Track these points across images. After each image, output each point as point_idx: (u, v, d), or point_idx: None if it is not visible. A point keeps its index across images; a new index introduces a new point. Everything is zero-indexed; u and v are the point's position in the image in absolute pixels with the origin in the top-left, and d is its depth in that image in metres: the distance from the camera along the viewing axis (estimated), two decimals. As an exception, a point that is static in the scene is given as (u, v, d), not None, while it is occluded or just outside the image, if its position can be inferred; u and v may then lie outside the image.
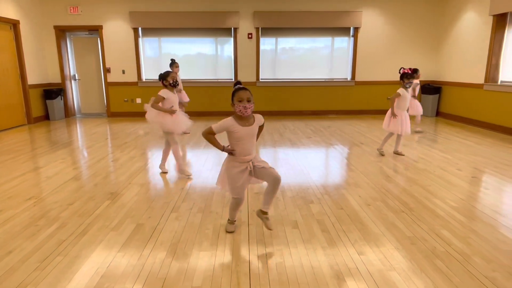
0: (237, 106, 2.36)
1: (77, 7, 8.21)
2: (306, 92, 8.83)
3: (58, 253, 2.38)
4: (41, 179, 3.98)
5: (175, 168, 4.33)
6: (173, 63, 6.45)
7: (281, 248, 2.47)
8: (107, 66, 8.54)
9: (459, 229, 2.74)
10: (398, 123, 4.77)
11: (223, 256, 2.36)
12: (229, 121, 2.40)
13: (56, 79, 8.55)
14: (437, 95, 8.46)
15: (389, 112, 4.87)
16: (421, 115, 6.70)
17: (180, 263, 2.27)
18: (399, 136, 4.92)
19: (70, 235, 2.65)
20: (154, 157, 4.93)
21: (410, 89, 4.80)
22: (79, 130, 7.11)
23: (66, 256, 2.35)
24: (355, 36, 8.59)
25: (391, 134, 4.96)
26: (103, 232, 2.69)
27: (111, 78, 8.63)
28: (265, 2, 8.33)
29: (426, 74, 8.82)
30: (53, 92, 8.16)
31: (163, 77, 3.93)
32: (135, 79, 8.62)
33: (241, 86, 2.44)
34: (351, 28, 8.59)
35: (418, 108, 6.42)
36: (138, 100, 8.75)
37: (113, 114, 8.82)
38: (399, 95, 4.73)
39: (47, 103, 8.22)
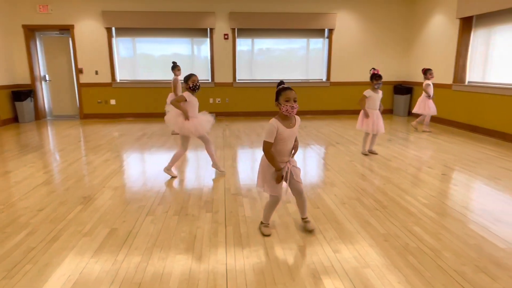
0: (284, 106, 2.38)
1: (46, 5, 7.95)
2: (283, 92, 8.86)
3: (28, 261, 2.30)
4: (9, 184, 3.82)
5: (168, 168, 4.23)
6: (174, 67, 6.24)
7: (258, 248, 2.47)
8: (79, 66, 8.31)
9: (430, 225, 2.83)
10: (369, 122, 4.89)
11: (200, 258, 2.34)
12: (274, 123, 2.41)
13: (25, 80, 8.24)
14: (408, 95, 8.71)
15: (361, 112, 4.98)
16: (431, 116, 6.80)
17: (155, 267, 2.24)
18: (374, 135, 5.04)
19: (40, 242, 2.56)
20: (130, 160, 4.83)
21: (379, 90, 4.90)
22: (50, 133, 6.89)
23: (35, 264, 2.27)
24: (329, 37, 8.72)
25: (367, 134, 5.06)
26: (75, 238, 2.61)
27: (84, 79, 8.41)
28: (241, 3, 8.33)
29: (397, 74, 9.07)
30: (22, 93, 7.86)
31: (185, 80, 3.88)
32: (109, 80, 8.43)
33: (285, 85, 2.46)
34: (326, 30, 8.72)
35: (428, 109, 6.55)
36: (112, 102, 8.56)
37: (86, 116, 8.59)
38: (365, 97, 4.85)
39: (16, 105, 7.91)
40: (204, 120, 3.99)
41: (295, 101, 2.39)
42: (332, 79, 8.91)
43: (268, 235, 2.66)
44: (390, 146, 5.55)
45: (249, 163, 4.68)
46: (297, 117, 2.54)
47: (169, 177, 4.04)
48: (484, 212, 3.08)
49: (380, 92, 4.92)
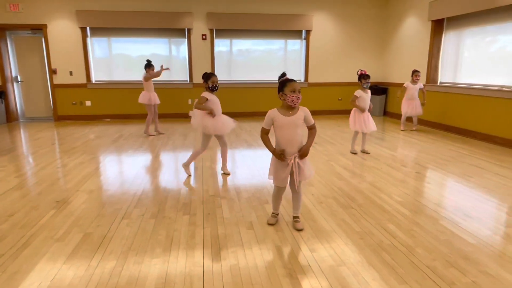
0: (290, 96, 2.46)
1: (17, 4, 7.68)
2: (262, 93, 8.92)
3: (-4, 269, 2.22)
4: (-23, 190, 3.68)
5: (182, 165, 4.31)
6: (148, 65, 6.33)
7: (236, 249, 2.47)
8: (53, 67, 8.08)
9: (404, 222, 2.91)
10: (361, 122, 4.99)
11: (176, 261, 2.32)
12: (271, 112, 2.56)
13: (-5, 81, 7.95)
14: (384, 96, 8.90)
15: (352, 112, 5.07)
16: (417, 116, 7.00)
17: (130, 271, 2.20)
18: (364, 134, 5.13)
19: (10, 248, 2.47)
20: (105, 162, 4.74)
21: (367, 90, 5.00)
22: (22, 135, 6.66)
23: (4, 272, 2.19)
24: (307, 39, 8.81)
25: (356, 133, 5.15)
26: (47, 244, 2.54)
27: (58, 79, 8.18)
28: (219, 4, 8.31)
29: (373, 75, 9.24)
30: (-8, 95, 7.58)
31: (205, 79, 3.85)
32: (84, 81, 8.23)
33: (289, 77, 2.53)
34: (303, 31, 8.81)
35: (415, 109, 6.77)
36: (88, 103, 8.37)
37: (60, 118, 8.35)
38: (356, 97, 4.94)
39: (-15, 107, 7.62)
40: (227, 120, 4.00)
41: (299, 92, 2.48)
42: (310, 80, 9.01)
43: (272, 224, 2.82)
44: (366, 146, 5.65)
45: (228, 164, 4.67)
46: (304, 108, 2.60)
47: (146, 179, 3.99)
48: (455, 208, 3.18)
49: (369, 92, 5.02)
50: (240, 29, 8.52)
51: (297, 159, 2.58)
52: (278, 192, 2.77)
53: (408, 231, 2.75)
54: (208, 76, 3.84)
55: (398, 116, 8.53)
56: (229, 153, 5.23)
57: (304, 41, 8.90)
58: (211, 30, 8.41)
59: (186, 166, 4.14)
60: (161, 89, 8.52)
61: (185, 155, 5.06)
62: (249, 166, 4.55)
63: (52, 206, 3.24)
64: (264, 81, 8.91)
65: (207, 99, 3.81)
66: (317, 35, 8.81)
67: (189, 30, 8.36)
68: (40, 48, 8.23)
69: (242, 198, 3.45)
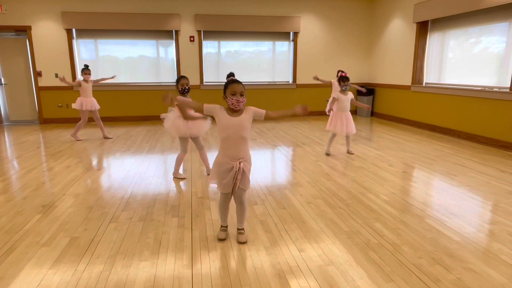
0: (230, 99, 2.30)
1: (0, 5, 7.55)
2: (250, 95, 8.92)
3: (-20, 276, 2.18)
4: (-41, 195, 3.60)
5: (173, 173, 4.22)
6: (83, 69, 6.22)
7: (225, 251, 2.48)
8: (38, 69, 7.95)
9: (391, 221, 2.95)
10: (338, 124, 5.03)
11: (165, 264, 2.31)
12: (220, 106, 2.39)
13: (-22, 83, 7.78)
14: (371, 97, 9.01)
15: (332, 113, 5.11)
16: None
17: (118, 275, 2.19)
18: (347, 136, 5.18)
19: (-6, 254, 2.43)
20: (93, 165, 4.68)
21: (347, 92, 5.05)
22: (7, 139, 6.54)
23: (-11, 278, 2.15)
24: (295, 40, 8.87)
25: (334, 135, 5.19)
26: (32, 249, 2.50)
27: (43, 82, 8.06)
28: (206, 6, 8.30)
29: (360, 76, 9.36)
30: (-26, 98, 7.42)
31: (176, 83, 3.86)
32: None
33: (235, 78, 2.38)
34: (291, 32, 8.86)
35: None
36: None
37: (46, 121, 8.23)
38: (335, 99, 4.99)
39: (-33, 110, 7.45)
40: (201, 122, 3.96)
41: (241, 95, 2.31)
42: (298, 81, 9.06)
43: (222, 240, 2.59)
44: (354, 146, 5.71)
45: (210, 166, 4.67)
46: (249, 108, 2.41)
47: (134, 182, 3.96)
48: (441, 207, 3.24)
49: (349, 94, 5.05)
50: (228, 30, 8.53)
51: (241, 164, 2.38)
52: (224, 200, 2.56)
53: (395, 229, 2.79)
54: (178, 80, 3.86)
55: (384, 116, 8.65)
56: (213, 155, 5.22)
57: (292, 43, 8.95)
58: (199, 32, 8.40)
59: (176, 173, 4.13)
60: (149, 91, 8.48)
61: (173, 157, 5.04)
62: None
63: (38, 210, 3.19)
64: (253, 83, 8.93)
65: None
66: (305, 37, 8.87)
67: (176, 32, 8.33)
68: (24, 50, 8.10)
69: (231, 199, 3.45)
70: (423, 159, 4.88)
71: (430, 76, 7.35)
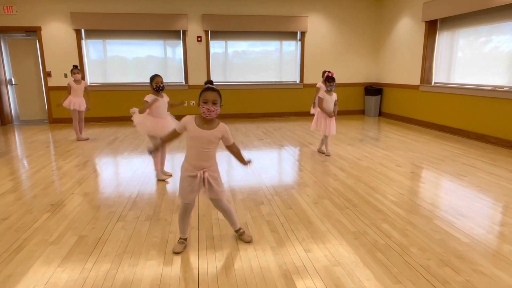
0: (201, 107, 2.23)
1: (11, 6, 7.65)
2: (257, 95, 8.93)
3: (-10, 273, 2.21)
4: (-29, 193, 3.66)
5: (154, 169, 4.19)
6: (72, 69, 6.25)
7: (231, 251, 2.48)
8: (48, 69, 8.05)
9: (398, 222, 2.92)
10: (322, 124, 5.04)
11: (171, 263, 2.32)
12: (188, 117, 2.30)
13: (-11, 84, 7.90)
14: (379, 96, 8.94)
15: (316, 113, 5.12)
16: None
17: (125, 274, 2.20)
18: (325, 136, 5.16)
19: (4, 252, 2.46)
20: (101, 164, 4.72)
21: (333, 93, 4.99)
22: (17, 138, 6.63)
23: (-2, 276, 2.18)
24: (302, 40, 8.84)
25: (326, 136, 5.18)
26: (41, 247, 2.53)
27: (52, 82, 8.15)
28: (214, 6, 8.32)
29: (368, 76, 9.30)
30: (-14, 98, 7.53)
31: (150, 81, 3.86)
32: (78, 83, 8.19)
33: (210, 86, 2.31)
34: (298, 32, 8.84)
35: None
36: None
37: (55, 121, 8.32)
38: (322, 99, 4.96)
39: (-21, 110, 7.57)
40: (170, 122, 3.96)
41: (214, 104, 2.22)
42: (305, 81, 9.03)
43: (178, 253, 2.44)
44: (361, 146, 5.68)
45: (223, 165, 4.67)
46: (224, 127, 2.36)
47: (142, 182, 3.98)
48: (449, 208, 3.21)
49: (334, 95, 5.02)
50: (235, 30, 8.54)
51: (206, 174, 2.32)
52: (185, 210, 2.45)
53: (403, 230, 2.77)
54: (152, 78, 3.87)
55: (392, 116, 8.58)
56: (225, 155, 5.22)
57: (299, 42, 8.93)
58: (206, 32, 8.42)
59: (159, 174, 4.06)
60: (156, 91, 8.52)
61: (181, 157, 5.06)
62: (244, 167, 4.55)
63: (47, 209, 3.23)
64: (260, 83, 8.93)
65: (148, 103, 3.79)
66: (312, 36, 8.84)
67: (184, 32, 8.36)
68: (34, 50, 8.20)
69: (237, 199, 3.46)
70: (431, 160, 4.83)
71: (439, 76, 7.28)
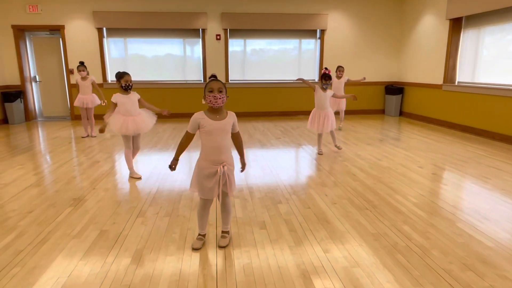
0: (208, 96, 2.24)
1: (36, 5, 7.87)
2: (275, 93, 8.91)
3: (15, 264, 2.27)
4: (-3, 187, 3.78)
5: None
6: (78, 66, 6.31)
7: (249, 249, 2.48)
8: (70, 67, 8.23)
9: (419, 224, 2.86)
10: (315, 122, 4.98)
11: (190, 260, 2.34)
12: (197, 114, 2.29)
13: (15, 81, 8.15)
14: (400, 96, 8.77)
15: (312, 113, 5.07)
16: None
17: (145, 269, 2.23)
18: (331, 132, 5.12)
19: (29, 244, 2.54)
20: (121, 161, 4.80)
21: (328, 90, 4.95)
22: (40, 134, 6.82)
23: (23, 267, 2.24)
24: (321, 38, 8.76)
25: (320, 134, 5.14)
26: (64, 240, 2.59)
27: (75, 79, 8.30)
28: (233, 4, 8.33)
29: (389, 75, 9.14)
30: (12, 94, 7.78)
31: (118, 78, 3.87)
32: (100, 81, 8.36)
33: (214, 77, 2.35)
34: (318, 30, 8.76)
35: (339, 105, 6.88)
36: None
37: (77, 117, 8.50)
38: (315, 94, 4.95)
39: (6, 106, 7.82)
40: (141, 120, 3.95)
41: (220, 92, 2.24)
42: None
43: (197, 249, 2.45)
44: (381, 146, 5.59)
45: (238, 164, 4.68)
46: (233, 114, 2.39)
47: (161, 178, 4.03)
48: (473, 210, 3.12)
49: (329, 91, 4.96)
50: (254, 29, 8.53)
51: (225, 168, 2.33)
52: (204, 206, 2.46)
53: (424, 233, 2.71)
54: (121, 76, 3.85)
55: (414, 116, 8.41)
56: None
57: (318, 41, 8.85)
58: (225, 30, 8.45)
59: (131, 173, 4.09)
60: (175, 89, 8.62)
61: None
62: (262, 166, 4.55)
63: (69, 203, 3.31)
64: (278, 81, 8.90)
65: (114, 104, 3.81)
66: (332, 35, 8.74)
67: (203, 30, 8.41)
68: (58, 48, 8.41)
69: (255, 197, 3.46)
70: (454, 161, 4.71)
71: (463, 75, 7.08)
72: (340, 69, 6.90)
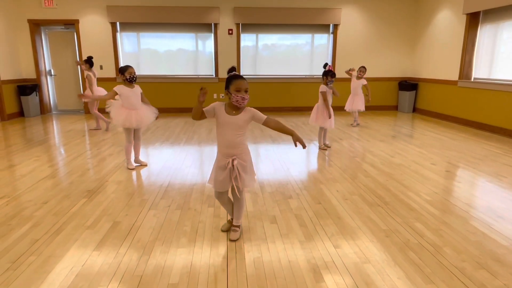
0: (234, 95, 2.22)
1: (52, 0, 7.97)
2: (287, 88, 8.87)
3: (31, 253, 2.33)
4: (14, 178, 3.87)
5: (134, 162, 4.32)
6: (85, 60, 6.39)
7: (259, 243, 2.49)
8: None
9: (432, 221, 2.83)
10: (324, 117, 4.94)
11: (201, 252, 2.36)
12: (219, 103, 2.32)
13: (31, 74, 8.30)
14: (413, 92, 8.65)
15: (315, 107, 5.05)
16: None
17: (157, 260, 2.26)
18: (325, 130, 5.13)
19: (44, 234, 2.59)
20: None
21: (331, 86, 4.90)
22: (55, 127, 6.94)
23: (39, 256, 2.30)
24: (334, 33, 8.67)
25: (322, 129, 5.09)
26: (78, 231, 2.64)
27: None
28: (246, -2, 8.31)
29: (403, 71, 9.01)
30: (28, 88, 7.92)
31: (122, 72, 3.94)
32: (113, 75, 8.45)
33: (239, 74, 2.31)
34: (331, 25, 8.67)
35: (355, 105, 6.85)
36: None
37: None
38: (325, 93, 4.84)
39: (22, 99, 7.98)
40: (143, 114, 4.01)
41: (246, 92, 2.24)
42: (337, 75, 8.82)
43: (224, 231, 2.62)
44: (394, 143, 5.53)
45: (252, 159, 4.68)
46: (250, 109, 2.34)
47: (172, 172, 4.07)
48: (487, 209, 3.06)
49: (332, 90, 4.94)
50: (266, 23, 8.49)
51: (235, 162, 2.33)
52: (220, 197, 2.51)
53: (436, 230, 2.67)
54: (125, 69, 3.91)
55: (428, 112, 8.28)
56: (254, 148, 5.25)
57: (331, 36, 8.76)
58: (237, 24, 8.43)
59: (128, 164, 4.19)
60: (187, 83, 8.65)
61: (210, 149, 5.12)
62: (273, 161, 4.55)
63: (83, 195, 3.36)
64: (290, 76, 8.86)
65: (116, 93, 3.89)
66: (345, 29, 8.65)
67: (215, 25, 8.41)
68: (72, 42, 8.52)
69: (266, 192, 3.46)
70: (469, 159, 4.63)
71: (479, 71, 6.93)
72: (362, 69, 6.77)
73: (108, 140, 5.69)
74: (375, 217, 2.90)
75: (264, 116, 2.37)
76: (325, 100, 4.89)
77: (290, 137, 2.42)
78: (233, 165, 2.34)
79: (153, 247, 2.42)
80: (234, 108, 2.31)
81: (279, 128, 2.38)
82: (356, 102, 6.83)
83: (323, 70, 4.95)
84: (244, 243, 2.48)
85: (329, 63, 4.98)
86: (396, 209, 3.05)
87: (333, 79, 4.83)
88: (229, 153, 2.36)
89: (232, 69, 2.39)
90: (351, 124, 7.03)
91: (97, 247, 2.41)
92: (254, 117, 2.35)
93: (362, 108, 6.85)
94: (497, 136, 6.03)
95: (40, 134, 6.24)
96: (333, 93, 4.97)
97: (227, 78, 2.31)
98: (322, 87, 4.87)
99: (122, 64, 8.55)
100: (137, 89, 4.03)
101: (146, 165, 4.31)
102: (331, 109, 4.97)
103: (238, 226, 2.59)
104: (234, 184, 2.39)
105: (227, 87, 2.28)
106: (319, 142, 5.20)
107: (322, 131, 5.16)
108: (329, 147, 5.20)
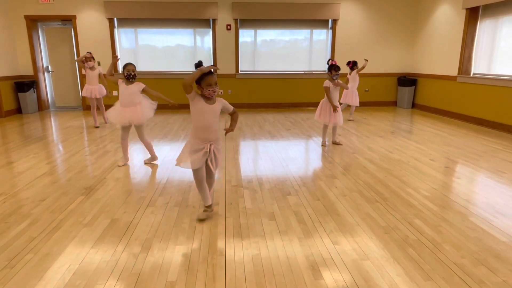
0: (206, 90, 2.49)
1: (48, -4, 7.91)
2: (286, 84, 8.84)
3: (29, 251, 2.32)
4: (12, 175, 3.85)
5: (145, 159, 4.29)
6: (87, 56, 6.39)
7: (258, 240, 2.48)
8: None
9: (431, 217, 2.82)
10: (327, 114, 4.91)
11: (199, 249, 2.35)
12: (197, 94, 2.57)
13: (28, 71, 8.24)
14: (412, 87, 8.63)
15: (320, 104, 5.00)
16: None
17: (155, 257, 2.25)
18: (334, 127, 5.09)
19: (42, 231, 2.58)
20: (132, 151, 4.84)
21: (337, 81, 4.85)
22: (53, 124, 6.91)
23: (36, 254, 2.28)
24: (333, 28, 8.63)
25: (326, 126, 5.07)
26: (76, 228, 2.63)
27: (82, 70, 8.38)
28: (244, -7, 8.25)
29: (402, 66, 8.98)
30: (25, 84, 7.87)
31: (123, 68, 3.97)
32: (111, 71, 8.40)
33: (203, 67, 2.43)
34: (330, 20, 8.63)
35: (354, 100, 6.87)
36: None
37: (89, 107, 8.56)
38: (328, 88, 4.79)
39: (19, 96, 7.93)
40: (137, 112, 3.98)
41: (216, 85, 2.51)
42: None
43: (201, 220, 2.75)
44: (393, 138, 5.52)
45: (250, 155, 4.67)
46: (220, 99, 2.64)
47: (171, 168, 4.05)
48: (486, 205, 3.06)
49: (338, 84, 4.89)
50: (265, 19, 8.44)
51: (212, 147, 2.63)
52: (198, 177, 2.69)
53: (436, 227, 2.67)
54: (124, 66, 3.93)
55: (427, 108, 8.27)
56: (253, 144, 5.23)
57: (330, 31, 8.72)
58: (236, 20, 8.38)
59: (124, 159, 4.22)
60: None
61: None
62: (272, 157, 4.54)
63: (81, 192, 3.35)
64: (289, 72, 8.82)
65: (117, 81, 3.96)
66: (344, 24, 8.61)
67: (214, 20, 8.36)
68: (69, 38, 8.46)
69: (264, 189, 3.45)
70: (468, 154, 4.62)
71: (478, 66, 6.91)
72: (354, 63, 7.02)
73: (106, 137, 5.67)
74: (374, 214, 2.89)
75: (231, 107, 2.72)
76: (327, 95, 4.85)
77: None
78: (210, 149, 2.63)
79: (151, 244, 2.41)
80: (208, 99, 2.58)
81: (234, 121, 2.76)
82: (354, 97, 6.84)
83: (326, 66, 4.91)
84: (242, 240, 2.47)
85: (331, 59, 4.92)
86: (395, 206, 3.05)
87: (338, 73, 4.76)
88: (207, 138, 2.62)
89: (199, 63, 2.52)
90: (348, 119, 7.04)
91: (95, 244, 2.40)
92: (224, 107, 2.67)
93: (357, 103, 6.91)
94: (497, 132, 6.02)
95: (38, 131, 6.21)
96: (340, 85, 4.84)
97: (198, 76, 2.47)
98: (326, 82, 4.81)
99: (120, 60, 8.49)
100: (135, 87, 3.99)
101: (156, 160, 4.31)
102: (338, 105, 4.90)
103: (210, 206, 2.80)
104: (210, 165, 2.67)
105: (198, 83, 2.51)
106: (323, 139, 5.16)
107: (326, 128, 5.11)
108: (340, 144, 5.12)
